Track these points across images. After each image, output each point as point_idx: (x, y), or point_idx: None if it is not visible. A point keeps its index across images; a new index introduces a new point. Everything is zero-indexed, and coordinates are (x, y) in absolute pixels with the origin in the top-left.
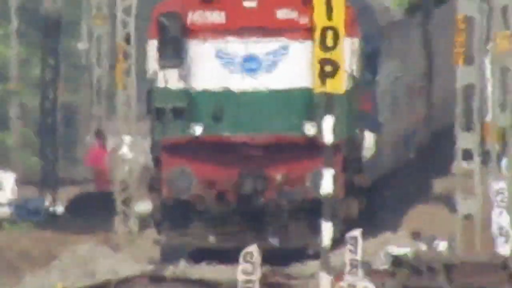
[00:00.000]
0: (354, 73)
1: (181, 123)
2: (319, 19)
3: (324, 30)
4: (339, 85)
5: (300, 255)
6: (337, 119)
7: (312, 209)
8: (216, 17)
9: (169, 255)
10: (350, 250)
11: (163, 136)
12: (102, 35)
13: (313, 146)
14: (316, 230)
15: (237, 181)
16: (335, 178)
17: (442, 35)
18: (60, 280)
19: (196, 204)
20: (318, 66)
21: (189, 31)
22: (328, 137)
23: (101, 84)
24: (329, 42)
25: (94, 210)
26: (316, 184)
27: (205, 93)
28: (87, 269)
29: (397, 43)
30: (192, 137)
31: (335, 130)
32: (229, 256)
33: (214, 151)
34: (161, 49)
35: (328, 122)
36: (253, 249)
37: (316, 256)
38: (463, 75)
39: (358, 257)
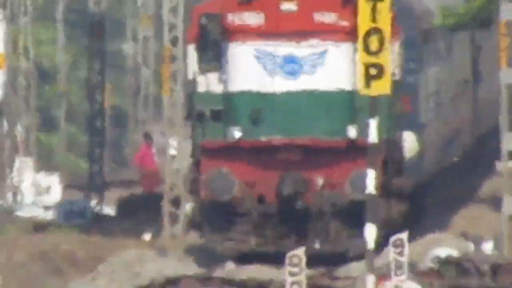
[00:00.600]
0: (396, 75)
1: (221, 126)
2: (364, 21)
3: (369, 32)
4: (385, 88)
5: (341, 258)
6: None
7: (353, 212)
8: (255, 19)
9: (212, 257)
10: (396, 252)
11: (203, 139)
12: (148, 37)
13: (353, 148)
14: (356, 234)
15: (277, 184)
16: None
17: (487, 40)
18: (107, 284)
19: (236, 206)
20: (363, 68)
21: (229, 33)
22: (372, 139)
23: (148, 87)
24: (374, 44)
25: (142, 212)
26: (357, 187)
27: (244, 96)
28: (133, 272)
29: (441, 47)
30: (231, 140)
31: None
32: (270, 259)
33: (254, 153)
34: (201, 52)
35: (373, 124)
36: (299, 251)
37: (359, 258)
38: (506, 76)
39: (404, 258)
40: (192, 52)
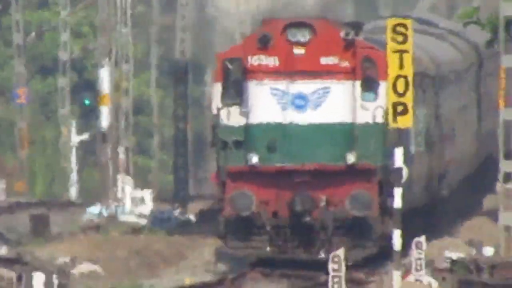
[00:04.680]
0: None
1: (241, 153)
2: (392, 68)
3: (397, 78)
4: (408, 122)
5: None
6: (374, 148)
7: (351, 226)
8: (271, 61)
9: (236, 262)
10: (416, 252)
11: (226, 164)
12: None
13: (352, 172)
14: (354, 244)
15: (289, 202)
16: (372, 199)
17: (489, 82)
18: (188, 276)
19: (255, 220)
20: (391, 107)
21: (248, 73)
22: (398, 164)
23: None
24: (400, 87)
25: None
26: (355, 205)
27: (261, 127)
28: (210, 267)
29: (430, 92)
30: (250, 165)
31: (372, 157)
32: (282, 264)
33: (269, 176)
34: (224, 90)
35: (398, 152)
36: (340, 252)
37: (358, 264)
38: (504, 114)
39: (423, 258)
40: (217, 89)
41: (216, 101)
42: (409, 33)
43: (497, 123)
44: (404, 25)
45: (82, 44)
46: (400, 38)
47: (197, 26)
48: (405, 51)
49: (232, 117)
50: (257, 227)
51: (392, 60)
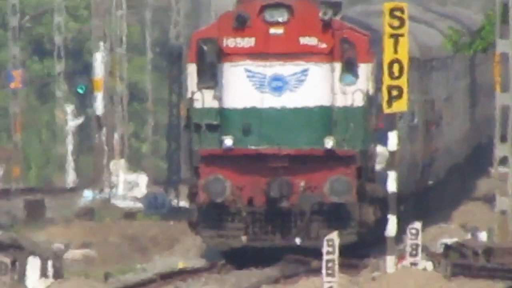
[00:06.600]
0: (370, 94)
1: (215, 137)
2: (388, 53)
3: (392, 62)
4: (403, 106)
5: (319, 252)
6: (353, 133)
7: (329, 212)
8: (247, 42)
9: (209, 251)
10: (412, 238)
11: (200, 148)
12: None
13: (330, 157)
14: (333, 231)
15: (265, 187)
16: (350, 185)
17: (484, 67)
18: (182, 260)
19: (229, 206)
20: (386, 91)
21: (224, 55)
22: (392, 147)
23: None
24: (396, 71)
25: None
26: (333, 190)
27: (236, 110)
28: (204, 252)
29: (415, 75)
30: (224, 148)
31: (351, 142)
32: (258, 253)
33: (245, 161)
34: (199, 72)
35: (392, 136)
36: (333, 235)
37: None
38: (500, 99)
39: (419, 242)
40: (191, 71)
41: (191, 83)
42: (405, 16)
43: (491, 109)
44: (400, 9)
45: (78, 27)
46: (396, 23)
47: (192, 8)
48: (401, 35)
49: (206, 100)
50: (231, 214)
51: (388, 44)
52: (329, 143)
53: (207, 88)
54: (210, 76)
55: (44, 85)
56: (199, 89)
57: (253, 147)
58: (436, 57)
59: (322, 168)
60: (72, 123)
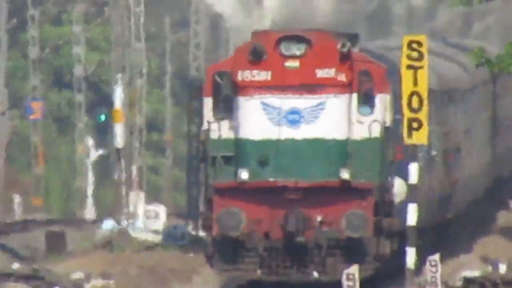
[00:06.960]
0: (387, 125)
1: (231, 169)
2: (406, 85)
3: (411, 94)
4: (423, 138)
5: (336, 287)
6: (369, 165)
7: (346, 246)
8: (263, 76)
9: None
10: (431, 270)
11: (215, 181)
12: None
13: (347, 190)
14: (350, 265)
15: (282, 221)
16: (367, 219)
17: (505, 97)
18: None
19: (244, 241)
20: (407, 122)
21: (239, 88)
22: (413, 180)
23: None
24: (415, 104)
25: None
26: (349, 225)
27: (252, 142)
28: (222, 284)
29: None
30: (240, 181)
31: (368, 174)
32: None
33: (260, 194)
34: (214, 105)
35: (413, 167)
36: (354, 269)
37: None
38: None
39: (438, 275)
40: (207, 104)
41: (206, 116)
42: (424, 49)
43: None
44: (419, 42)
45: (98, 58)
46: (415, 55)
47: (210, 42)
48: (420, 68)
49: (222, 132)
50: (247, 249)
51: (407, 77)
52: (345, 174)
53: (223, 119)
54: (226, 109)
55: (64, 116)
56: (215, 120)
57: (270, 180)
58: (456, 88)
59: (339, 201)
60: (93, 156)
